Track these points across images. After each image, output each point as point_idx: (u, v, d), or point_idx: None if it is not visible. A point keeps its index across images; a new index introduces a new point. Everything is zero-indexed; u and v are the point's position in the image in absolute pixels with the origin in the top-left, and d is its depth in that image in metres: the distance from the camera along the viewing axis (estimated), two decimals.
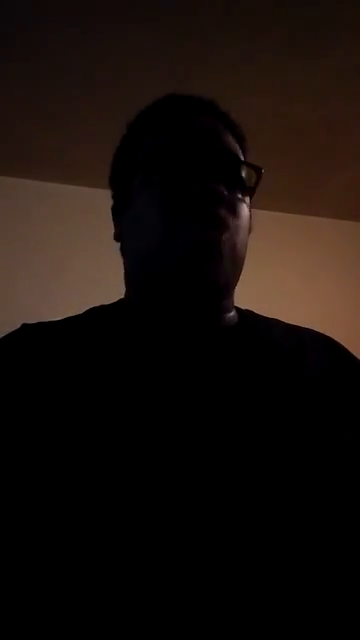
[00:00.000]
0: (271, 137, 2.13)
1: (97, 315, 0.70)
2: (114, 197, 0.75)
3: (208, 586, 0.50)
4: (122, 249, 0.73)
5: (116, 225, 0.74)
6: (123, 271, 0.74)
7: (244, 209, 0.68)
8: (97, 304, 0.72)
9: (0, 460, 0.56)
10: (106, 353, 0.62)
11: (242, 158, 0.71)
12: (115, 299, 0.73)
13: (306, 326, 0.76)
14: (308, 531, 0.54)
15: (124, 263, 0.73)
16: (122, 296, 0.74)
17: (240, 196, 0.67)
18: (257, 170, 0.68)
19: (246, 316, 0.72)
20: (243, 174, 0.68)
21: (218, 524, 0.52)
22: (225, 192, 0.64)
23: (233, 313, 0.71)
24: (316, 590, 0.52)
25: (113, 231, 0.75)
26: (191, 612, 0.49)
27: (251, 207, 0.72)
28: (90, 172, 2.11)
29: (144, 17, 1.58)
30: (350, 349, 0.74)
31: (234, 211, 0.66)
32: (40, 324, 0.67)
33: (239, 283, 0.70)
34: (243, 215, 0.67)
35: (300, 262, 2.72)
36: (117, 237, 0.73)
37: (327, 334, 0.76)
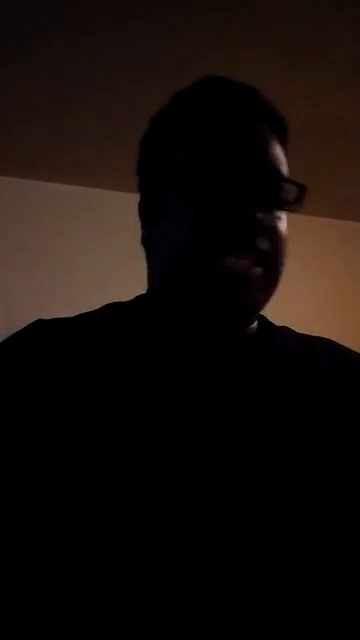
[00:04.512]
0: None
1: (114, 314, 0.68)
2: (142, 200, 0.70)
3: (208, 590, 0.50)
4: (149, 255, 0.69)
5: (144, 228, 0.69)
6: (146, 272, 0.70)
7: (283, 225, 0.64)
8: (98, 304, 0.71)
9: (9, 459, 0.55)
10: (122, 357, 0.61)
11: (284, 167, 0.65)
12: (115, 299, 0.72)
13: (306, 326, 0.76)
14: (311, 543, 0.54)
15: (150, 269, 0.69)
16: (123, 297, 0.73)
17: (279, 214, 0.63)
18: (301, 188, 0.63)
19: (263, 323, 0.70)
20: (284, 191, 0.63)
21: (220, 532, 0.52)
22: (264, 219, 0.60)
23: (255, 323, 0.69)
24: (314, 597, 0.53)
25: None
26: (192, 615, 0.49)
27: None
28: (90, 172, 2.11)
29: (144, 17, 1.58)
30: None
31: (273, 233, 0.62)
32: (55, 320, 0.65)
33: None
34: (282, 232, 0.63)
35: (300, 262, 2.72)
36: (144, 242, 0.68)
37: (327, 335, 0.76)
